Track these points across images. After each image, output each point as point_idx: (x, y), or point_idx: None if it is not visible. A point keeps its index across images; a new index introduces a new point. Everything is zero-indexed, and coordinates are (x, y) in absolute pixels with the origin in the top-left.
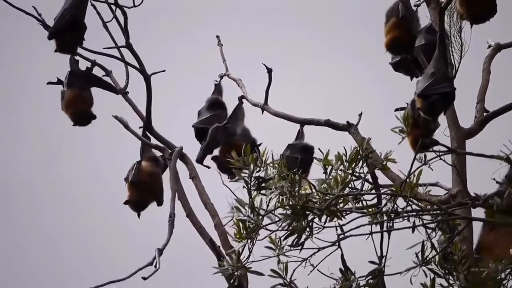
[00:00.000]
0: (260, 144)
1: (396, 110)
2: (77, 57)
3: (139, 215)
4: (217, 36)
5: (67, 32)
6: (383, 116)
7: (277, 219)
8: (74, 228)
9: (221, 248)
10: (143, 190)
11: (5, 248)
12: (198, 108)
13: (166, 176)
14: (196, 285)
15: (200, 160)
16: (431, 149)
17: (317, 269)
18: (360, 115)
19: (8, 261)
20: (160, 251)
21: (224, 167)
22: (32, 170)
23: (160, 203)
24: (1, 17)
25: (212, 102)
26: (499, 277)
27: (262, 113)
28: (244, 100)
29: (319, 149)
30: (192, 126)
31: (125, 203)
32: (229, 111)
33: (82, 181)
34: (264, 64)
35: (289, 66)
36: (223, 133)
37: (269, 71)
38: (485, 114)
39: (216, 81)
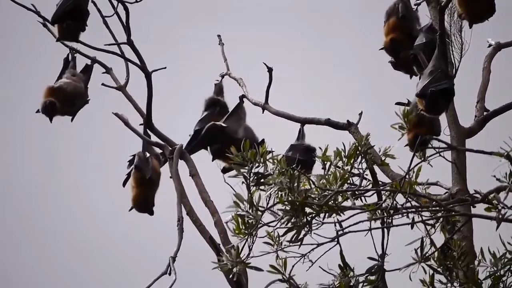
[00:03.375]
0: (263, 140)
1: (397, 104)
2: (76, 54)
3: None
4: (218, 36)
5: (69, 19)
6: (384, 115)
7: (276, 215)
8: (72, 228)
9: (221, 245)
10: (150, 189)
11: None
12: (199, 105)
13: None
14: (196, 283)
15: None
16: (430, 146)
17: (316, 265)
18: (360, 114)
19: (9, 267)
20: (174, 259)
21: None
22: (32, 169)
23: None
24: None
25: (207, 103)
26: (498, 273)
27: (263, 112)
28: (245, 99)
29: (319, 148)
30: (189, 136)
31: (137, 200)
32: (230, 109)
33: (82, 179)
34: (264, 64)
35: (289, 65)
36: (220, 133)
37: (270, 70)
38: (485, 113)
39: (217, 80)
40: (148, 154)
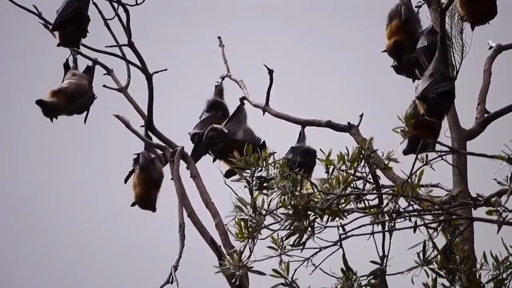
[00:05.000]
0: (264, 142)
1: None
2: (77, 55)
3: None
4: (219, 37)
5: (70, 25)
6: (384, 117)
7: (279, 219)
8: (72, 229)
9: (222, 248)
10: (154, 189)
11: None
12: (199, 106)
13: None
14: (197, 286)
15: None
16: (430, 149)
17: (319, 269)
18: (361, 116)
19: (9, 267)
20: (176, 268)
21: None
22: (32, 169)
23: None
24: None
25: (209, 104)
26: (501, 277)
27: (263, 114)
28: (245, 101)
29: (320, 149)
30: (188, 134)
31: (140, 198)
32: (230, 112)
33: (83, 181)
34: (265, 65)
35: (290, 67)
36: (220, 135)
37: (270, 72)
38: (486, 115)
39: (217, 82)
40: (153, 155)
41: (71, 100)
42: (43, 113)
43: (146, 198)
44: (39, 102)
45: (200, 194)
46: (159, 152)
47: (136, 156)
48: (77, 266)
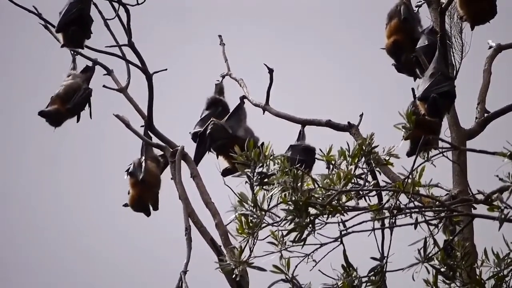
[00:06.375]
0: (263, 143)
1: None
2: (77, 56)
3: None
4: (219, 36)
5: (74, 26)
6: (384, 117)
7: (278, 218)
8: (72, 228)
9: (222, 247)
10: (146, 191)
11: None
12: (199, 106)
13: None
14: (197, 286)
15: (197, 161)
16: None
17: (320, 265)
18: (361, 115)
19: (9, 267)
20: (185, 273)
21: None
22: (32, 171)
23: (156, 208)
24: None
25: (209, 102)
26: (501, 274)
27: (264, 114)
28: (245, 100)
29: (320, 149)
30: (189, 133)
31: (131, 202)
32: (231, 109)
33: (83, 181)
34: (265, 65)
35: (290, 66)
36: (221, 131)
37: (271, 71)
38: (485, 115)
39: (218, 80)
40: (143, 158)
41: (67, 100)
42: (49, 123)
43: (136, 202)
44: (41, 113)
45: (200, 194)
46: (159, 152)
47: (128, 167)
48: (77, 266)
